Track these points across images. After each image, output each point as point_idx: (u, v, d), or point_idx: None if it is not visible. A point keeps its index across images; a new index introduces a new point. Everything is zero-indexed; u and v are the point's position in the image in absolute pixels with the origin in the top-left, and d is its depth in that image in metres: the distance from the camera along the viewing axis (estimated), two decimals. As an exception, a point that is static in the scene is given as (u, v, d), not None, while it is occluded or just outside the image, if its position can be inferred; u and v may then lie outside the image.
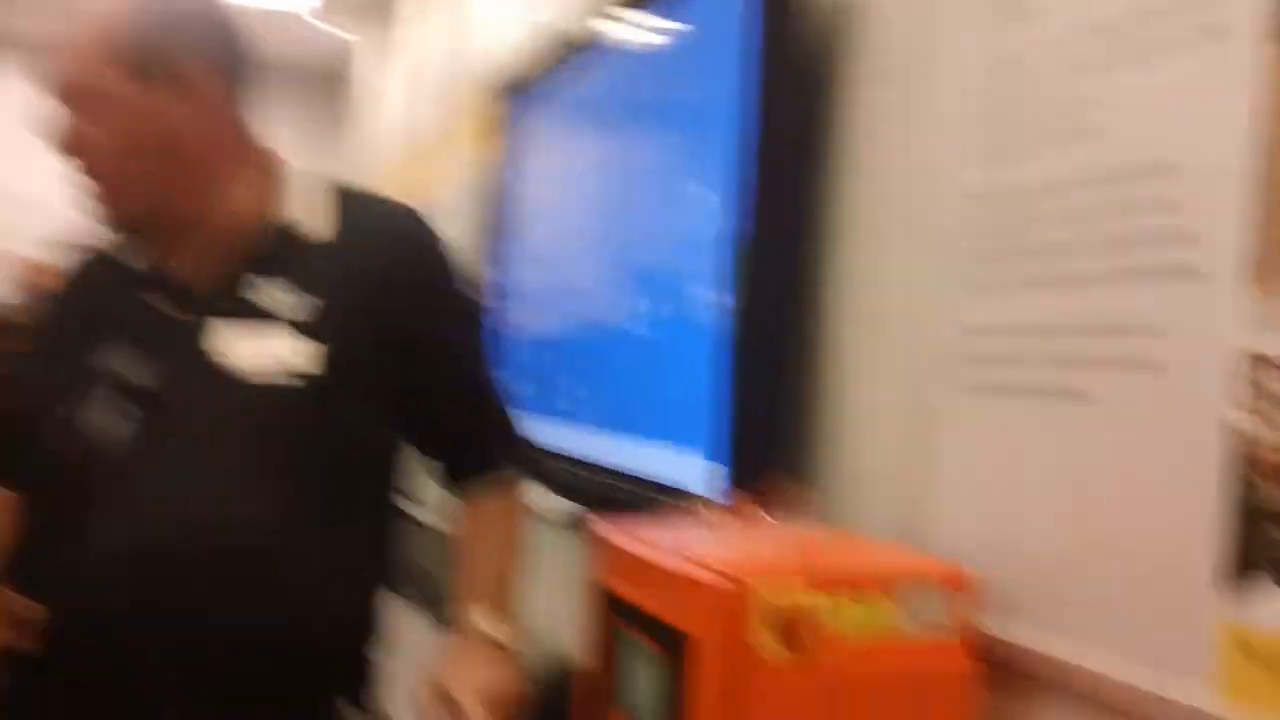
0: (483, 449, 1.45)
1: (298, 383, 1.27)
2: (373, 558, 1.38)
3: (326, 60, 6.78)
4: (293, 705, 1.30)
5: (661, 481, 1.72)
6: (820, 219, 1.59)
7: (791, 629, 1.13)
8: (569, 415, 2.21)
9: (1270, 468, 0.99)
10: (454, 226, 3.75)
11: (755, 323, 1.57)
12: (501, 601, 1.37)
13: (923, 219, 1.43)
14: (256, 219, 1.33)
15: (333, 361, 1.29)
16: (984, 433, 1.32)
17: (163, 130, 1.28)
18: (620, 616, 1.32)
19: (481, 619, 1.32)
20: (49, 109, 1.29)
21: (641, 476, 1.81)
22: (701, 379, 1.63)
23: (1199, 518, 1.05)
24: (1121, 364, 1.14)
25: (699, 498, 1.42)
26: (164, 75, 1.27)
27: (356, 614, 1.36)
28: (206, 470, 1.27)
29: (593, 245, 2.20)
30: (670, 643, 1.20)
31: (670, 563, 1.22)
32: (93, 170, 1.29)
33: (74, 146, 1.28)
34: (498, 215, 2.80)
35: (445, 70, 4.36)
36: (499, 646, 1.32)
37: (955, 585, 1.21)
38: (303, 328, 1.29)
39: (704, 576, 1.16)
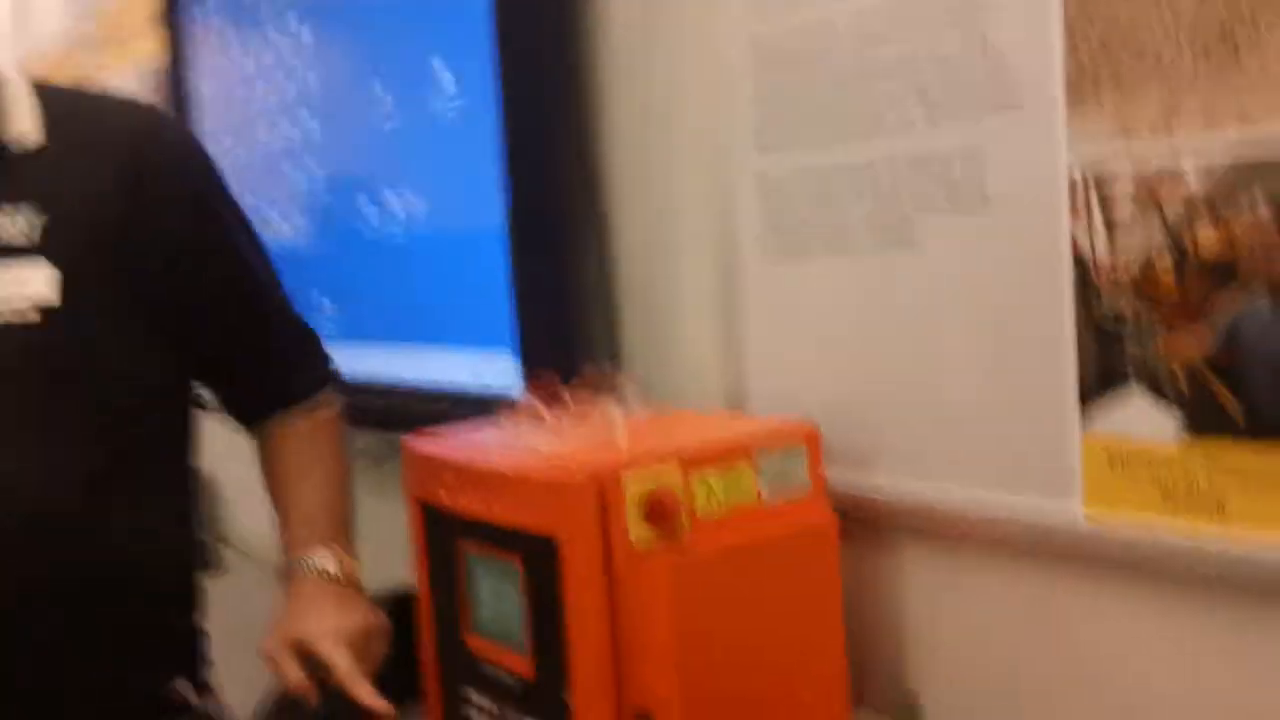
0: (284, 374, 1.30)
1: (34, 317, 1.07)
2: (177, 519, 1.23)
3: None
4: (121, 692, 1.14)
5: (466, 390, 1.62)
6: (594, 90, 1.51)
7: (660, 514, 1.07)
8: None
9: (1111, 278, 0.99)
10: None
11: (534, 211, 1.49)
12: (339, 535, 1.24)
13: (711, 73, 1.37)
14: None
15: (70, 288, 1.09)
16: (801, 287, 1.30)
17: None
18: (462, 534, 1.23)
19: (320, 558, 1.20)
20: None
21: (443, 388, 1.70)
22: (493, 278, 1.54)
23: (1051, 340, 1.05)
24: (949, 201, 1.13)
25: (516, 399, 1.33)
26: None
27: (169, 582, 1.21)
28: None
29: (324, 152, 2.03)
30: (532, 551, 1.12)
31: (520, 468, 1.14)
32: None
33: None
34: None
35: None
36: (346, 584, 1.20)
37: (808, 443, 1.18)
38: (26, 252, 1.09)
39: (563, 475, 1.08)
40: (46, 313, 1.08)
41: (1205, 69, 0.92)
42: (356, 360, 1.95)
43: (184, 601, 1.23)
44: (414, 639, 1.33)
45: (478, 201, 1.57)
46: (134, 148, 1.15)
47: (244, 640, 1.24)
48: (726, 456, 1.13)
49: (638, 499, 1.07)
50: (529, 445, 1.19)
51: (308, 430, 1.29)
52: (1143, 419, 1.00)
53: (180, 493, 1.23)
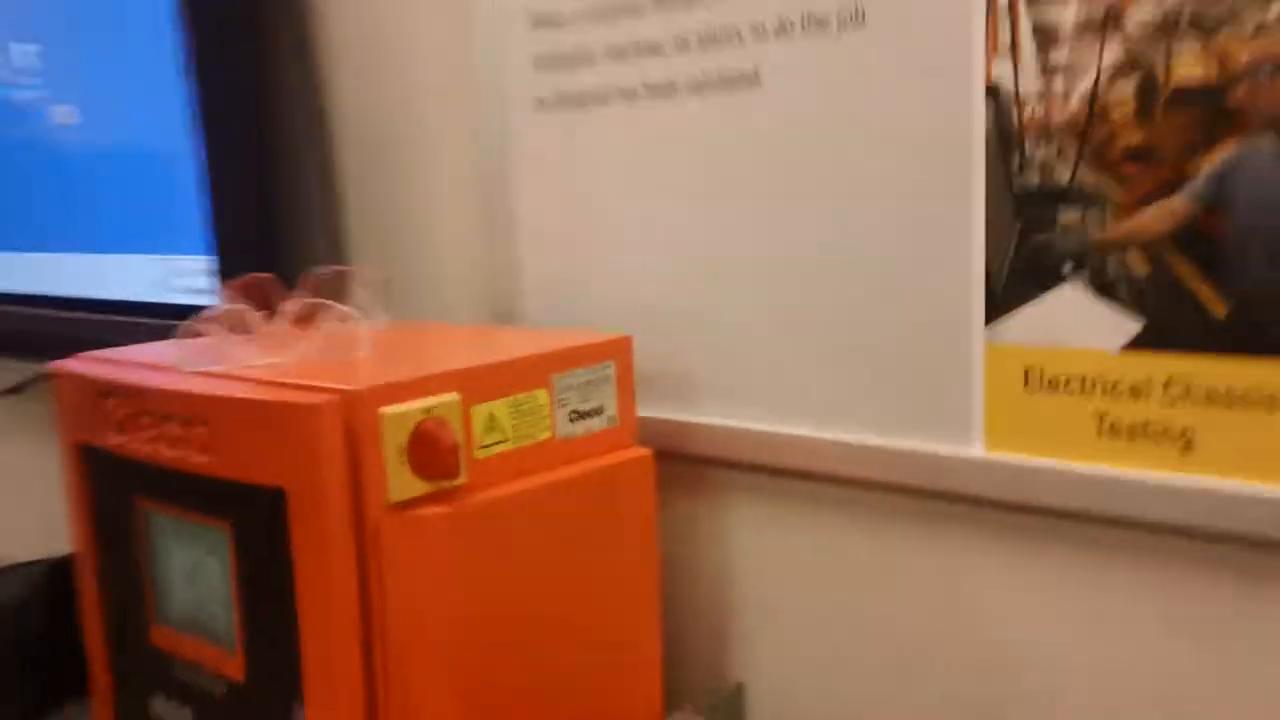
0: None
1: None
2: None
3: None
4: None
5: (141, 302, 1.25)
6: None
7: (430, 455, 0.77)
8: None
9: (1052, 131, 0.76)
10: None
11: (221, 74, 1.14)
12: None
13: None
14: None
15: None
16: (593, 156, 1.01)
17: None
18: (141, 491, 0.89)
19: None
20: None
21: (109, 301, 1.32)
22: (163, 164, 1.17)
23: (950, 218, 0.81)
24: (803, 25, 0.86)
25: (212, 308, 0.99)
26: None
27: None
28: None
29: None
30: (246, 511, 0.80)
31: (229, 395, 0.81)
32: None
33: None
34: None
35: None
36: None
37: (617, 361, 0.91)
38: None
39: (294, 403, 0.76)
40: None
41: None
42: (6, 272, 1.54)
43: None
44: (78, 625, 0.98)
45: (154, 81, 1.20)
46: None
47: None
48: (515, 380, 0.84)
49: (401, 435, 0.76)
50: (237, 366, 0.86)
51: None
52: (1079, 324, 0.77)
53: None
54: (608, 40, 0.97)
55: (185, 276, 1.20)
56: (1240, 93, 0.68)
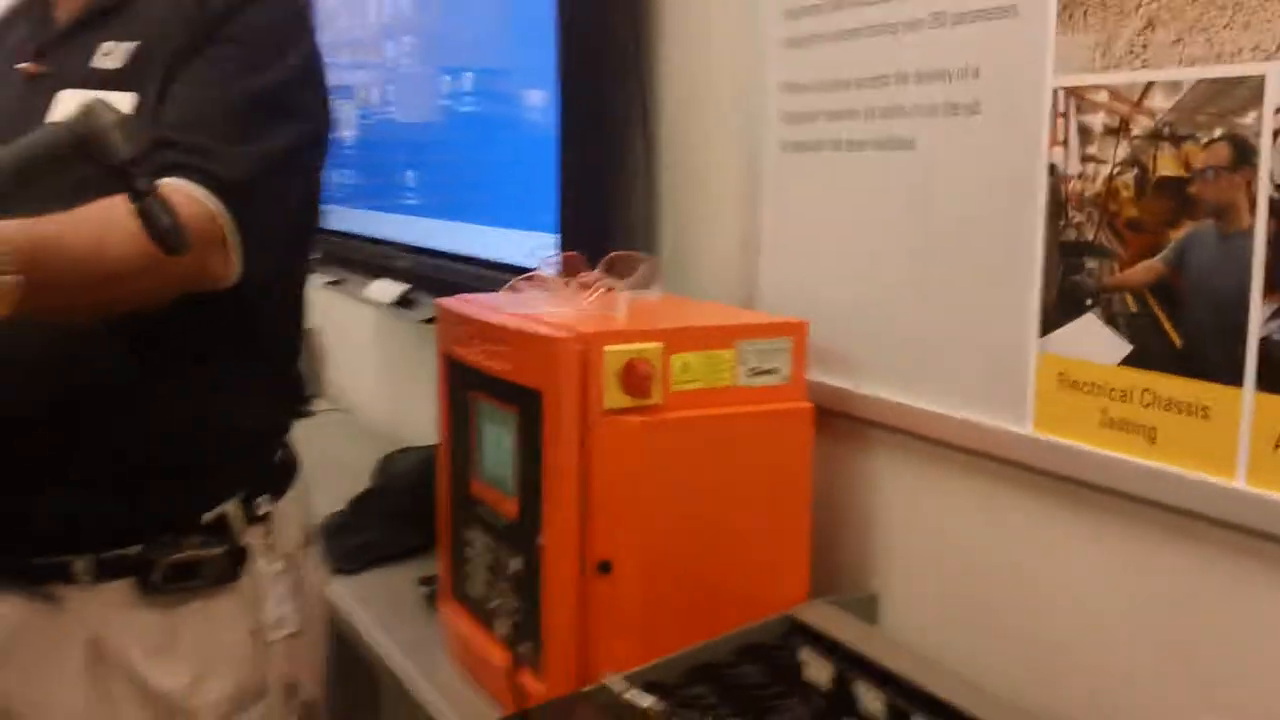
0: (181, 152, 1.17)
1: None
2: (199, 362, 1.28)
3: None
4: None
5: (507, 262, 1.73)
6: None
7: (633, 380, 1.17)
8: (397, 205, 2.20)
9: (1084, 201, 1.05)
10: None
11: (584, 104, 1.58)
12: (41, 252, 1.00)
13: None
14: None
15: (138, 112, 1.17)
16: (812, 189, 1.37)
17: None
18: (472, 385, 1.35)
19: None
20: None
21: (487, 259, 1.82)
22: (540, 163, 1.64)
23: (1023, 257, 1.11)
24: (943, 109, 1.19)
25: (542, 273, 1.44)
26: None
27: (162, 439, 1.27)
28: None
29: (416, 31, 2.14)
30: (524, 403, 1.23)
31: (521, 325, 1.24)
32: None
33: None
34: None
35: None
36: None
37: (794, 339, 1.26)
38: (118, 78, 1.20)
39: (553, 334, 1.19)
40: None
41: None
42: (432, 234, 2.08)
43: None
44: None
45: (537, 87, 1.67)
46: None
47: (319, 480, 1.39)
48: (707, 340, 1.22)
49: (615, 365, 1.17)
50: (536, 310, 1.30)
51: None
52: (1094, 344, 1.05)
53: None
54: (826, 107, 1.33)
55: (544, 250, 1.66)
56: (1196, 187, 0.95)
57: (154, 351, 1.23)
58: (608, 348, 1.16)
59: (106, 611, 1.23)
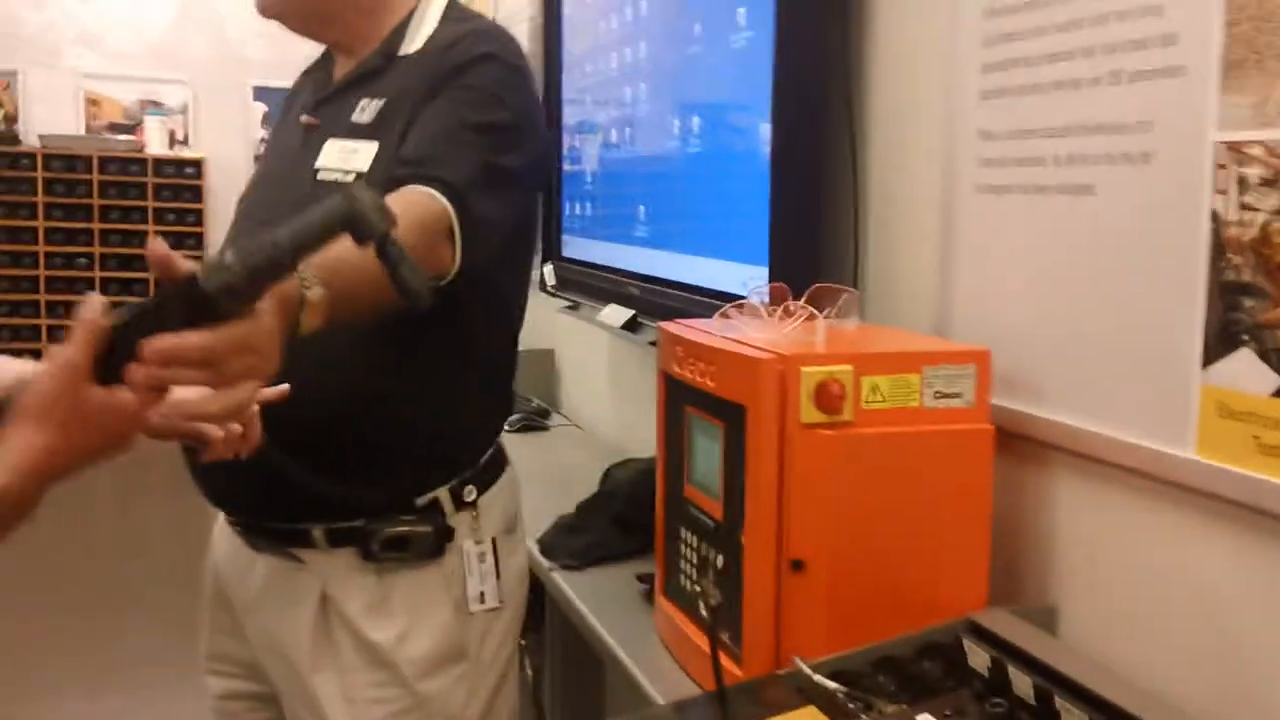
0: (416, 165, 1.38)
1: (347, 178, 1.45)
2: (419, 368, 1.52)
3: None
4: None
5: (723, 290, 1.90)
6: (854, 50, 1.74)
7: (826, 399, 1.32)
8: (629, 235, 2.40)
9: (1242, 245, 1.15)
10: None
11: (797, 146, 1.74)
12: (330, 270, 1.15)
13: (945, 34, 1.57)
14: (388, 36, 1.54)
15: (378, 157, 1.44)
16: (1001, 228, 1.49)
17: None
18: (686, 400, 1.52)
19: (307, 280, 1.14)
20: None
21: (704, 287, 2.00)
22: (755, 200, 1.80)
23: (1187, 295, 1.21)
24: (1119, 158, 1.30)
25: (752, 301, 1.60)
26: None
27: (390, 426, 1.52)
28: None
29: (651, 76, 2.35)
30: (730, 416, 1.40)
31: (729, 346, 1.41)
32: None
33: None
34: (551, 43, 2.93)
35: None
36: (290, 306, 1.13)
37: (978, 366, 1.39)
38: (365, 130, 1.48)
39: (757, 355, 1.35)
40: (357, 176, 1.44)
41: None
42: (657, 263, 2.28)
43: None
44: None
45: (751, 136, 1.84)
46: (451, 46, 1.49)
47: (550, 487, 1.61)
48: (895, 365, 1.36)
49: (810, 384, 1.32)
50: (744, 335, 1.46)
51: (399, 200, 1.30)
52: (1249, 376, 1.15)
53: None
54: (1016, 154, 1.45)
55: (756, 280, 1.82)
56: (1340, 235, 1.05)
57: (398, 362, 1.49)
58: (804, 369, 1.32)
59: (336, 572, 1.51)
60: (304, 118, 1.58)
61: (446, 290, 1.34)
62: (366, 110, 1.50)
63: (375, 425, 1.50)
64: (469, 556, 1.54)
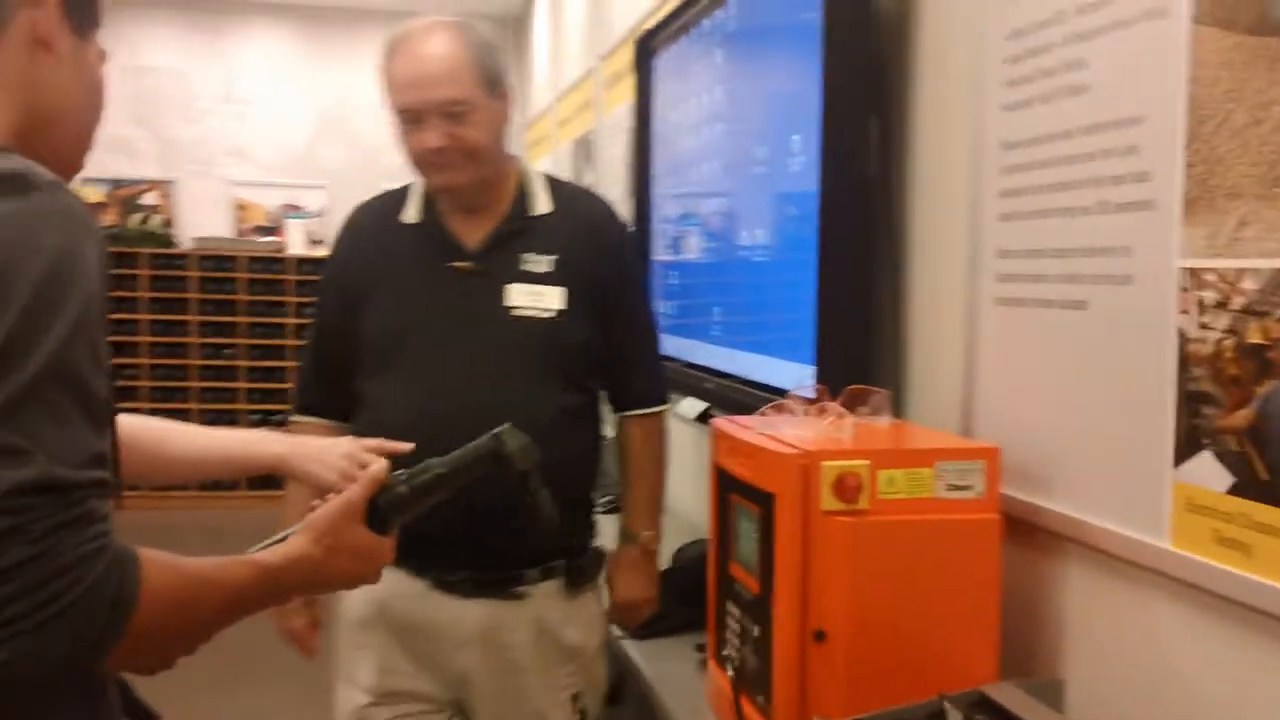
0: (641, 381, 2.09)
1: (551, 314, 1.94)
2: (592, 443, 2.04)
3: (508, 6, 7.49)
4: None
5: (771, 384, 2.09)
6: (893, 170, 1.94)
7: (844, 490, 1.49)
8: (705, 333, 2.61)
9: (1201, 359, 1.30)
10: (606, 170, 4.15)
11: (840, 260, 1.94)
12: (655, 520, 2.09)
13: (968, 163, 1.76)
14: (510, 200, 2.01)
15: (570, 299, 1.94)
16: (1016, 337, 1.65)
17: (504, 128, 1.97)
18: (731, 488, 1.71)
19: (645, 537, 2.08)
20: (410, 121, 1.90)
21: (756, 381, 2.20)
22: (803, 304, 1.99)
23: (1160, 402, 1.37)
24: (1105, 279, 1.46)
25: (790, 400, 1.78)
26: (501, 89, 1.95)
27: (580, 486, 2.02)
28: (489, 369, 1.91)
29: (718, 183, 2.57)
30: (763, 503, 1.58)
31: (763, 442, 1.60)
32: (462, 158, 1.90)
33: (452, 144, 1.89)
34: (643, 157, 3.18)
35: (590, 18, 4.82)
36: (650, 557, 2.09)
37: (984, 459, 1.55)
38: (549, 277, 1.95)
39: (784, 450, 1.53)
40: (559, 313, 1.94)
41: (1267, 203, 1.21)
42: (730, 360, 2.48)
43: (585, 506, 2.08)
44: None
45: (805, 246, 2.04)
46: (604, 224, 2.07)
47: None
48: (910, 459, 1.53)
49: (830, 477, 1.49)
50: (779, 431, 1.65)
51: (647, 434, 2.11)
52: (1210, 475, 1.30)
53: (594, 428, 2.07)
54: (1027, 271, 1.62)
55: (804, 379, 2.01)
56: (1274, 353, 1.20)
57: (578, 435, 1.99)
58: (825, 463, 1.49)
59: (546, 600, 1.98)
60: (459, 264, 1.97)
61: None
62: (539, 263, 1.96)
63: (570, 481, 1.94)
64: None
